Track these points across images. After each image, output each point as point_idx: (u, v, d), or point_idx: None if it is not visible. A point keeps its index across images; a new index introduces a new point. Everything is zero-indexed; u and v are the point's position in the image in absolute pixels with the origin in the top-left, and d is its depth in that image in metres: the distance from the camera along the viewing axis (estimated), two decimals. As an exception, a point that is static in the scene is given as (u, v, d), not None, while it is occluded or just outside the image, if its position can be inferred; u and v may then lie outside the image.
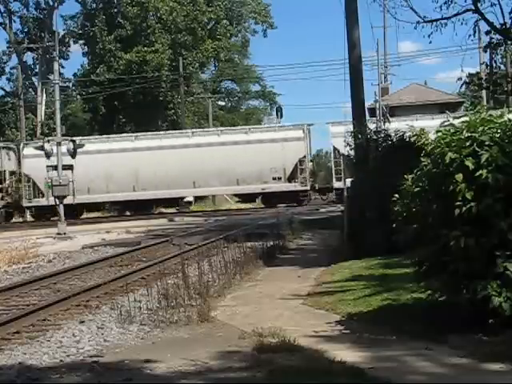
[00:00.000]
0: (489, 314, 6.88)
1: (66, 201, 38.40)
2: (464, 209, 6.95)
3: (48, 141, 31.61)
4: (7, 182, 41.05)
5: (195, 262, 13.39)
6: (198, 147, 39.68)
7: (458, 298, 7.20)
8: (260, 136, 40.77)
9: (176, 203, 42.41)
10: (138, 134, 43.33)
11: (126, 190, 40.01)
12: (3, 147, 41.71)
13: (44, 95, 60.88)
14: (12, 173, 41.58)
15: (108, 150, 40.33)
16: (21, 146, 41.87)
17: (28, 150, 40.64)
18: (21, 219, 41.91)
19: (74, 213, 38.79)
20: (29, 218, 41.87)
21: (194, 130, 46.39)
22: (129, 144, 40.66)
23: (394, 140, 15.96)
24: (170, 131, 45.84)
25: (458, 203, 6.97)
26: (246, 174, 39.22)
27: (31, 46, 59.02)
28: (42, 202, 39.74)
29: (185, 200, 42.58)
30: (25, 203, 40.74)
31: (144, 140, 41.17)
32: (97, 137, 45.33)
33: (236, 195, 47.12)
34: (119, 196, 40.67)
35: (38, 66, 64.87)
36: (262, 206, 41.53)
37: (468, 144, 7.20)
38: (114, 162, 39.50)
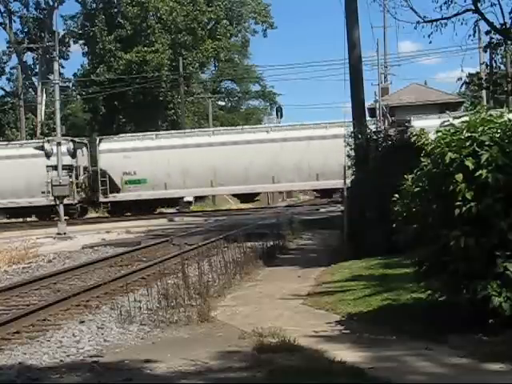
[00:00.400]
0: (489, 314, 6.88)
1: (145, 196, 38.91)
2: (464, 209, 6.95)
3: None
4: (81, 177, 40.84)
5: (195, 261, 13.40)
6: (273, 142, 38.90)
7: (458, 298, 7.20)
8: (337, 131, 40.12)
9: (252, 198, 41.73)
10: (216, 128, 42.49)
11: (203, 185, 39.73)
12: (78, 142, 41.50)
13: (44, 95, 60.88)
14: (85, 168, 41.40)
15: (183, 145, 39.79)
16: (97, 141, 41.58)
17: (104, 145, 40.38)
18: (95, 214, 41.75)
19: (151, 208, 39.35)
20: (99, 213, 41.80)
21: (271, 125, 45.55)
22: (206, 139, 40.04)
23: (394, 140, 15.97)
24: (248, 126, 44.21)
25: (458, 203, 6.97)
26: (327, 169, 38.60)
27: (31, 46, 58.99)
28: (119, 197, 39.74)
29: (185, 200, 42.52)
30: (101, 198, 40.31)
31: (220, 135, 40.52)
32: (172, 132, 44.62)
33: (315, 190, 47.04)
34: (197, 191, 40.62)
35: (38, 66, 64.89)
36: (262, 205, 41.54)
37: (468, 144, 7.20)
38: (191, 158, 38.93)
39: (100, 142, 41.13)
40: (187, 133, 43.20)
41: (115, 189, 39.91)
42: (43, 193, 38.76)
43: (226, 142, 39.31)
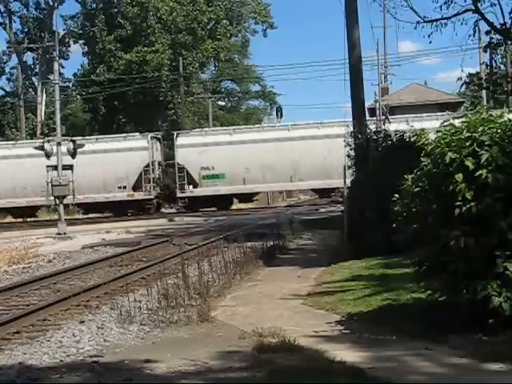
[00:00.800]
0: (489, 314, 6.88)
1: (223, 191, 39.05)
2: (464, 209, 6.95)
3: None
4: (157, 172, 40.84)
5: (195, 261, 13.39)
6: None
7: (458, 298, 7.20)
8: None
9: (328, 194, 40.83)
10: (295, 123, 41.63)
11: (282, 180, 39.41)
12: (153, 137, 41.39)
13: (44, 95, 60.90)
14: (159, 163, 41.42)
15: (263, 139, 39.36)
16: (174, 136, 41.59)
17: (182, 140, 40.33)
18: (171, 210, 41.80)
19: (227, 203, 39.52)
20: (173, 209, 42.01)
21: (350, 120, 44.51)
22: (285, 133, 39.52)
23: (394, 140, 15.97)
24: (327, 121, 41.20)
25: (458, 203, 6.97)
26: None
27: (31, 46, 59.03)
28: (196, 192, 39.64)
29: None
30: (178, 194, 40.14)
31: (299, 129, 39.80)
32: (250, 126, 43.95)
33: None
34: (275, 186, 40.59)
35: (38, 66, 64.93)
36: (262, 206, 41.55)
37: (468, 144, 7.20)
38: (270, 152, 38.43)
39: (177, 136, 41.01)
40: (266, 127, 42.92)
41: (193, 184, 39.80)
42: (119, 188, 39.14)
43: (305, 136, 38.80)
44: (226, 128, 41.72)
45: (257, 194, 42.20)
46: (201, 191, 39.53)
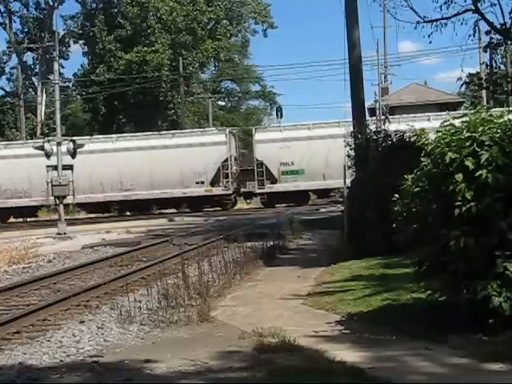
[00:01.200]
0: (489, 314, 6.88)
1: (302, 187, 39.10)
2: (464, 209, 6.95)
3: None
4: (234, 167, 40.81)
5: (195, 261, 13.39)
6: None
7: (458, 298, 7.20)
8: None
9: None
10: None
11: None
12: (230, 132, 41.25)
13: (44, 95, 60.89)
14: (235, 158, 41.41)
15: (344, 134, 39.01)
16: (253, 131, 41.64)
17: (260, 135, 40.19)
18: (246, 205, 42.01)
19: (306, 199, 39.52)
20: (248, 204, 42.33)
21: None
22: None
23: (394, 140, 15.97)
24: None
25: (458, 203, 6.97)
26: None
27: (31, 46, 59.03)
28: (275, 187, 39.48)
29: None
30: (256, 189, 40.08)
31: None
32: (329, 121, 41.57)
33: None
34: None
35: (38, 66, 64.92)
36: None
37: (468, 144, 7.20)
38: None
39: (255, 132, 40.90)
40: (342, 122, 42.43)
41: (272, 179, 39.66)
42: (197, 183, 39.08)
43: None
44: (304, 123, 41.08)
45: (334, 189, 41.99)
46: (280, 187, 39.37)
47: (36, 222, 37.67)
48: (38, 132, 57.07)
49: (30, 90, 65.38)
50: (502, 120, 7.49)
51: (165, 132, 43.49)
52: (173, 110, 60.05)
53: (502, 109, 8.78)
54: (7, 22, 63.71)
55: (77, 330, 9.45)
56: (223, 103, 72.07)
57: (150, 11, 57.76)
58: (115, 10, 60.45)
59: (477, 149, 7.11)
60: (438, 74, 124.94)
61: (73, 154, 29.11)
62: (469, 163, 7.03)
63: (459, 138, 7.32)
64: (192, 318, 9.30)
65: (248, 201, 43.00)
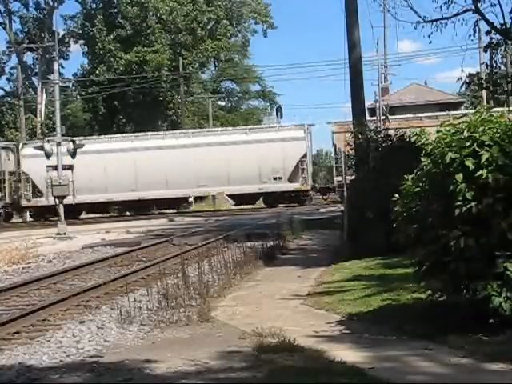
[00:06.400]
0: (489, 314, 6.88)
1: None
2: (464, 209, 6.94)
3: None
4: (310, 164, 41.13)
5: (195, 262, 13.38)
6: None
7: (458, 298, 7.20)
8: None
9: None
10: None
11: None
12: (309, 126, 41.40)
13: (44, 95, 60.89)
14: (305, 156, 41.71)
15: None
16: (331, 126, 41.62)
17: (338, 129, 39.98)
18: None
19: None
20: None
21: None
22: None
23: (394, 140, 15.97)
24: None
25: (459, 203, 6.97)
26: None
27: (31, 45, 59.04)
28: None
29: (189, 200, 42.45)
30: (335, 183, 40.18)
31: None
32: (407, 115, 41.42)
33: None
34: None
35: (37, 66, 64.95)
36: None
37: (468, 144, 7.19)
38: None
39: (334, 125, 40.91)
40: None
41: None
42: (275, 179, 39.10)
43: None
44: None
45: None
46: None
47: (36, 222, 37.63)
48: (38, 132, 57.04)
49: (30, 89, 65.39)
50: (502, 120, 7.49)
51: (240, 128, 43.13)
52: (173, 110, 60.05)
53: (502, 108, 8.78)
54: (7, 21, 63.87)
55: (77, 330, 9.44)
56: (223, 103, 72.17)
57: (149, 11, 57.79)
58: (115, 10, 60.47)
59: (477, 149, 7.11)
60: (437, 73, 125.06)
61: (73, 154, 29.06)
62: (469, 163, 7.03)
63: (459, 138, 7.32)
64: (192, 318, 9.30)
65: (325, 197, 43.23)
